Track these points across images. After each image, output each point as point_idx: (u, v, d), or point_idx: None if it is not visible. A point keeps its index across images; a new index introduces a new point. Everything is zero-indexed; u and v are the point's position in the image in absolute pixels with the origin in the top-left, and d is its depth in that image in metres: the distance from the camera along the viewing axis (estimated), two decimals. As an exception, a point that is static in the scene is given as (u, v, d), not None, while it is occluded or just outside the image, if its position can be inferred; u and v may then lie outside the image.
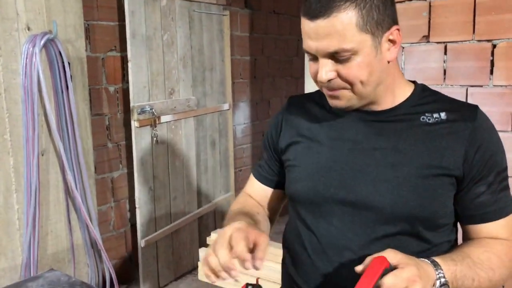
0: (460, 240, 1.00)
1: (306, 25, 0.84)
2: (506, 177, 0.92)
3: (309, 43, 0.85)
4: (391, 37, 0.86)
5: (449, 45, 1.87)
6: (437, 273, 0.79)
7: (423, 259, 0.81)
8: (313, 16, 0.82)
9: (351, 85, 0.86)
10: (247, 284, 0.89)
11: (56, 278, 1.32)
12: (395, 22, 0.87)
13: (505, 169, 0.91)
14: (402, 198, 0.86)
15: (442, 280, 0.79)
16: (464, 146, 0.86)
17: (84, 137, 2.52)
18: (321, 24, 0.81)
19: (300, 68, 4.49)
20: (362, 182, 0.90)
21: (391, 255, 0.76)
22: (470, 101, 1.79)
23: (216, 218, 3.55)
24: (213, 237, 2.23)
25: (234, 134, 3.80)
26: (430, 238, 0.90)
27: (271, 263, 1.97)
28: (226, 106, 3.51)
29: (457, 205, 0.92)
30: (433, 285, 0.78)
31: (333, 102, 0.91)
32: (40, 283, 1.28)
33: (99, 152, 2.82)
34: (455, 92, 1.82)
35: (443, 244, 0.93)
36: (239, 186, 4.00)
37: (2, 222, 2.21)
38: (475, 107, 0.91)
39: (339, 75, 0.85)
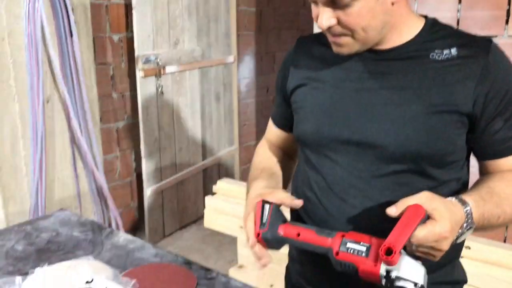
0: (472, 176, 0.99)
1: None
2: None
3: None
4: None
5: (463, -7, 1.82)
6: (466, 216, 0.79)
7: (455, 201, 0.80)
8: None
9: (352, 31, 0.84)
10: (263, 201, 0.89)
11: (66, 217, 1.34)
12: None
13: None
14: (407, 136, 0.86)
15: (470, 221, 0.80)
16: (475, 83, 0.84)
17: (88, 86, 2.50)
18: None
19: (307, 20, 4.40)
20: (367, 121, 0.89)
21: (427, 202, 0.76)
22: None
23: (220, 171, 3.58)
24: (219, 185, 2.25)
25: (238, 89, 3.77)
26: (437, 175, 0.89)
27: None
28: (230, 59, 3.46)
29: (473, 143, 0.91)
30: (460, 227, 0.79)
31: (336, 49, 0.90)
32: (52, 221, 1.30)
33: (104, 101, 2.80)
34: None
35: (451, 181, 0.92)
36: (243, 141, 4.00)
37: (9, 168, 2.22)
38: (489, 42, 0.87)
39: (339, 22, 0.83)
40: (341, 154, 0.92)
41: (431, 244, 0.75)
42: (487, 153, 0.92)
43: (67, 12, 2.28)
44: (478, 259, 1.60)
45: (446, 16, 1.87)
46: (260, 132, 4.22)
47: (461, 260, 1.02)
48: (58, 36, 2.29)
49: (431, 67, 0.86)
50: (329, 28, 0.84)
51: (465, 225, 0.79)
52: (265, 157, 1.14)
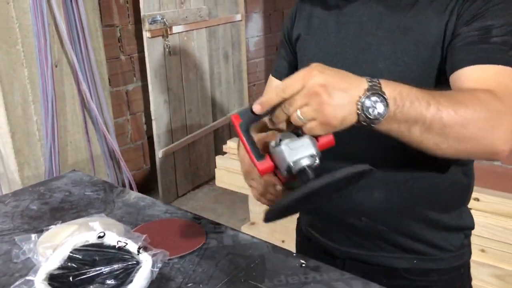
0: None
1: None
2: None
3: None
4: None
5: None
6: (369, 82, 0.66)
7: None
8: None
9: None
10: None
11: (78, 177, 1.37)
12: None
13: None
14: (399, 73, 0.85)
15: (375, 88, 0.65)
16: (452, 6, 0.82)
17: (96, 48, 2.49)
18: None
19: (315, -24, 4.29)
20: (364, 63, 0.89)
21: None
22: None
23: (231, 131, 3.59)
24: (229, 144, 2.27)
25: (247, 47, 3.73)
26: None
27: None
28: (238, 17, 3.41)
29: (447, 57, 0.84)
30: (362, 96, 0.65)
31: None
32: (64, 182, 1.33)
33: (112, 64, 2.80)
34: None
35: None
36: (253, 101, 3.98)
37: (22, 133, 2.26)
38: None
39: None
40: None
41: (302, 101, 0.63)
42: (454, 61, 0.81)
43: (70, -27, 2.25)
44: (487, 210, 1.61)
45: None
46: (270, 92, 4.19)
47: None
48: (62, -2, 2.27)
49: (428, 4, 0.85)
50: None
51: (367, 90, 0.65)
52: None
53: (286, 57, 1.09)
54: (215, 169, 2.26)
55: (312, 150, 0.67)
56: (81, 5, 2.32)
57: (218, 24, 3.21)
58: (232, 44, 3.43)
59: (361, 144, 0.90)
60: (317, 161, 0.67)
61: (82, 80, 2.37)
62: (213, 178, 3.31)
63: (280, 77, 1.12)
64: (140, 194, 1.25)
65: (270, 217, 0.69)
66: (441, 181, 0.92)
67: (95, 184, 1.31)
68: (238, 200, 2.92)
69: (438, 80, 0.86)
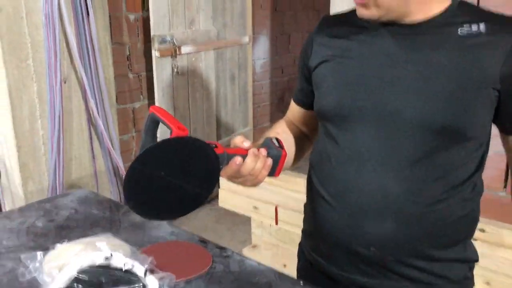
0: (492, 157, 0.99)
1: None
2: None
3: None
4: None
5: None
6: None
7: None
8: None
9: None
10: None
11: (84, 195, 1.37)
12: None
13: None
14: (433, 109, 0.86)
15: None
16: (504, 58, 0.84)
17: (105, 66, 2.51)
18: None
19: (323, 1, 4.35)
20: (391, 94, 0.89)
21: None
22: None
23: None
24: (233, 166, 2.27)
25: (253, 69, 3.76)
26: (457, 151, 0.89)
27: (290, 192, 2.01)
28: (246, 39, 3.44)
29: (500, 117, 0.90)
30: None
31: (360, 11, 0.89)
32: (70, 199, 1.33)
33: (120, 82, 2.82)
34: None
35: (468, 159, 0.92)
36: (257, 122, 4.01)
37: (28, 147, 2.27)
38: None
39: None
40: (362, 126, 0.92)
41: None
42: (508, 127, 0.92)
43: (83, -9, 2.28)
44: (492, 241, 1.60)
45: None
46: (274, 114, 4.22)
47: (474, 242, 1.03)
48: (75, 15, 2.30)
49: (459, 42, 0.86)
50: None
51: None
52: (279, 125, 1.15)
53: (303, 84, 1.10)
54: (219, 190, 2.25)
55: None
56: (92, 22, 2.35)
57: (226, 46, 3.24)
58: (239, 66, 3.46)
59: (376, 173, 0.90)
60: None
61: (90, 96, 2.39)
62: (215, 197, 3.31)
63: (298, 102, 1.14)
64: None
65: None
66: (453, 214, 0.92)
67: (101, 203, 1.31)
68: (239, 221, 2.91)
69: (469, 122, 0.87)
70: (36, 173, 2.32)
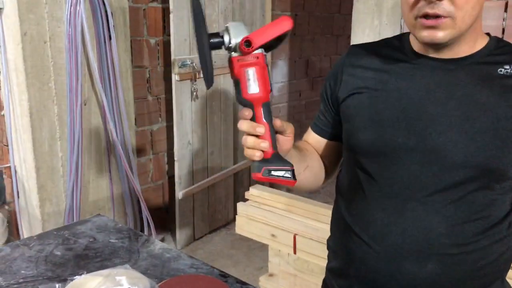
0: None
1: None
2: None
3: None
4: None
5: (510, 2, 1.75)
6: None
7: None
8: None
9: (459, 10, 0.81)
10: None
11: (103, 223, 1.35)
12: None
13: None
14: (476, 148, 0.84)
15: None
16: None
17: (125, 89, 2.53)
18: None
19: (342, 26, 4.35)
20: (434, 131, 0.86)
21: None
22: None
23: (251, 175, 3.57)
24: (251, 191, 2.24)
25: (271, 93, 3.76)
26: (497, 190, 0.88)
27: (309, 220, 1.97)
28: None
29: None
30: None
31: (432, 34, 0.85)
32: (89, 227, 1.31)
33: (139, 104, 2.83)
34: (514, 52, 1.72)
35: (507, 198, 0.90)
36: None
37: (47, 168, 2.27)
38: None
39: None
40: (403, 164, 0.89)
41: None
42: None
43: (106, 16, 2.31)
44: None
45: (491, 24, 1.81)
46: (291, 137, 4.20)
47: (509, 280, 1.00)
48: (97, 39, 2.33)
49: (499, 82, 0.86)
50: (430, 4, 0.82)
51: None
52: (301, 142, 1.11)
53: (325, 113, 1.07)
54: (236, 216, 2.22)
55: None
56: (114, 46, 2.38)
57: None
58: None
59: (417, 213, 0.88)
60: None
61: (109, 119, 2.40)
62: (230, 221, 3.27)
63: (316, 131, 1.10)
64: (165, 245, 1.22)
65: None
66: (492, 252, 0.90)
67: (120, 231, 1.30)
68: (255, 247, 2.86)
69: (510, 162, 0.85)
70: (53, 194, 2.32)
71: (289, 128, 0.85)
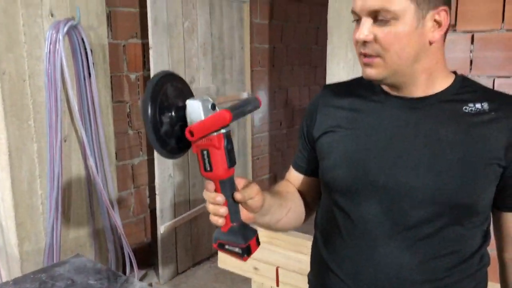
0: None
1: None
2: None
3: (356, 2, 0.87)
4: (437, 17, 0.86)
5: (476, 35, 1.82)
6: None
7: None
8: None
9: (385, 51, 0.86)
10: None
11: (82, 263, 1.34)
12: (446, 3, 0.87)
13: None
14: (443, 185, 0.86)
15: None
16: (507, 136, 0.86)
17: (105, 124, 2.54)
18: None
19: (319, 56, 4.45)
20: (403, 168, 0.89)
21: None
22: (497, 92, 1.76)
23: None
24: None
25: (252, 123, 3.80)
26: (466, 225, 0.90)
27: (291, 253, 1.98)
28: (245, 95, 3.50)
29: (500, 193, 0.91)
30: None
31: (366, 71, 0.91)
32: (67, 268, 1.30)
33: (120, 138, 2.84)
34: (481, 83, 1.78)
35: (477, 232, 0.93)
36: (256, 175, 4.00)
37: (26, 207, 2.25)
38: None
39: (376, 39, 0.86)
40: (374, 201, 0.92)
41: None
42: (505, 204, 0.93)
43: (86, 53, 2.34)
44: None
45: (459, 56, 1.88)
46: (273, 166, 4.23)
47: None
48: (77, 77, 2.34)
49: (465, 120, 0.89)
50: (364, 45, 0.87)
51: None
52: (281, 183, 1.14)
53: (303, 150, 1.10)
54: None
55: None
56: (93, 83, 2.39)
57: (226, 101, 3.29)
58: (238, 120, 3.49)
59: (390, 248, 0.90)
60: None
61: (89, 155, 2.40)
62: (214, 254, 3.25)
63: (298, 169, 1.13)
64: (144, 285, 1.22)
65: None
66: (465, 287, 0.93)
67: (99, 272, 1.29)
68: (239, 280, 2.84)
69: (478, 197, 0.88)
70: (32, 233, 2.29)
71: (253, 192, 0.88)
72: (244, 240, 0.84)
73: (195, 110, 0.81)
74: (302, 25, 4.23)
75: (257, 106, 0.88)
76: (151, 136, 0.82)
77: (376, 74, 0.89)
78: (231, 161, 0.83)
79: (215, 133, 0.81)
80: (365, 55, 0.88)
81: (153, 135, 0.81)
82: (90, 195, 2.52)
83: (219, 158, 0.82)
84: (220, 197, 0.83)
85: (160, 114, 0.81)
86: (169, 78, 0.85)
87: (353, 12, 0.89)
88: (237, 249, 0.84)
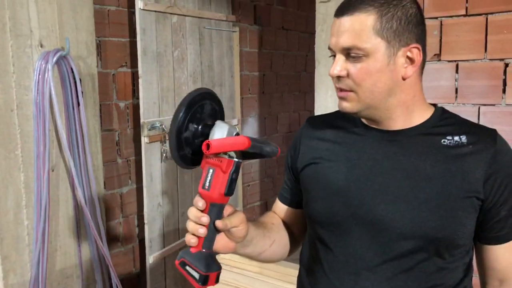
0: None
1: (333, 22, 0.91)
2: None
3: (331, 39, 0.91)
4: (409, 54, 0.88)
5: (460, 64, 1.86)
6: None
7: None
8: (340, 14, 0.89)
9: (357, 86, 0.88)
10: None
11: (67, 298, 1.31)
12: (418, 41, 0.89)
13: None
14: (422, 218, 0.87)
15: None
16: (485, 169, 0.87)
17: (94, 153, 2.52)
18: (343, 20, 0.88)
19: (308, 83, 4.50)
20: (382, 202, 0.90)
21: None
22: (482, 120, 1.79)
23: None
24: (221, 255, 2.22)
25: (242, 149, 3.80)
26: (447, 258, 0.90)
27: (280, 282, 1.96)
28: (235, 122, 3.51)
29: (480, 226, 0.92)
30: None
31: (341, 104, 0.94)
32: (51, 303, 1.27)
33: (109, 167, 2.82)
34: (467, 111, 1.81)
35: (458, 265, 0.92)
36: (247, 202, 3.99)
37: (11, 238, 2.21)
38: (495, 131, 0.93)
39: (349, 75, 0.88)
40: (355, 234, 0.92)
41: None
42: (485, 237, 0.94)
43: (75, 82, 2.34)
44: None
45: (444, 85, 1.91)
46: (264, 192, 4.21)
47: None
48: (65, 106, 2.34)
49: (443, 152, 0.90)
50: (338, 80, 0.90)
51: None
52: (267, 215, 1.14)
53: (289, 182, 1.11)
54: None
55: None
56: (82, 112, 2.39)
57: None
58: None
59: (370, 282, 0.89)
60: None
61: (77, 184, 2.37)
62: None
63: (283, 201, 1.14)
64: (130, 321, 1.19)
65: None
66: None
67: (84, 307, 1.26)
68: (229, 310, 2.79)
69: (458, 231, 0.88)
70: (18, 265, 2.24)
71: (238, 220, 0.88)
72: (206, 269, 0.84)
73: (220, 130, 0.86)
74: (291, 53, 4.29)
75: (275, 153, 0.90)
76: (172, 134, 0.86)
77: (351, 107, 0.92)
78: (230, 190, 0.85)
79: (227, 157, 0.82)
80: (340, 89, 0.90)
81: (175, 134, 0.86)
82: (78, 225, 2.48)
83: (220, 180, 0.84)
84: (206, 218, 0.84)
85: (189, 121, 0.87)
86: (210, 97, 0.91)
87: (330, 48, 0.92)
88: (196, 274, 0.85)
